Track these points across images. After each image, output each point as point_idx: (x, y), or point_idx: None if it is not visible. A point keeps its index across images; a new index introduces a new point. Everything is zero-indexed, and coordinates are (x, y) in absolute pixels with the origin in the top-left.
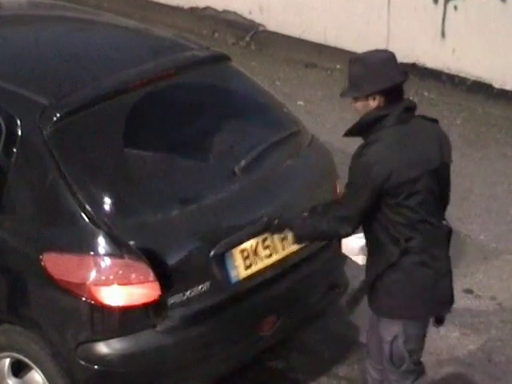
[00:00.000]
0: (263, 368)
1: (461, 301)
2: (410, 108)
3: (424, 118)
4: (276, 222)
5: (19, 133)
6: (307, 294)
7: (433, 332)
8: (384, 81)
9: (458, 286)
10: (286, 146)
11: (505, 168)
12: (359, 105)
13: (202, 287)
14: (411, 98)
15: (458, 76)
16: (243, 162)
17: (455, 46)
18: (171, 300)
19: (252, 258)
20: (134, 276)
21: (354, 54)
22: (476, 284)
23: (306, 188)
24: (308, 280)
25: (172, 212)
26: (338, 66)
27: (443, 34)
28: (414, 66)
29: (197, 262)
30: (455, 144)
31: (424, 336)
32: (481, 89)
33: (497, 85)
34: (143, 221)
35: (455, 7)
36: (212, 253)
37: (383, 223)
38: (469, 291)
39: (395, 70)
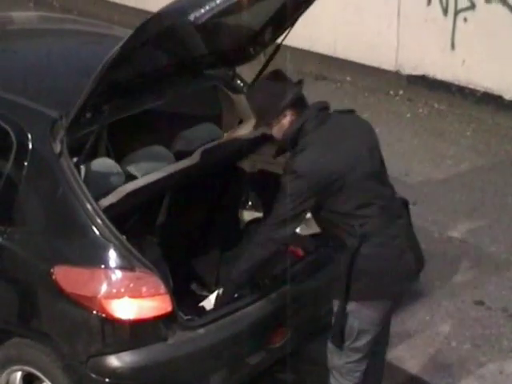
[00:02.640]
0: (274, 381)
1: (472, 312)
2: (324, 108)
3: (340, 111)
4: (221, 291)
5: (30, 146)
6: (318, 305)
7: (444, 344)
8: (286, 95)
9: (468, 298)
10: None
11: None
12: (276, 129)
13: None
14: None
15: (467, 87)
16: None
17: (465, 57)
18: None
19: None
20: (144, 289)
21: (364, 65)
22: (487, 295)
23: None
24: (319, 291)
25: None
26: (347, 78)
27: (453, 46)
28: (423, 77)
29: None
30: (465, 155)
31: (381, 320)
32: (491, 100)
33: (507, 96)
34: None
35: (465, 19)
36: None
37: (334, 218)
38: (480, 303)
39: (288, 82)
